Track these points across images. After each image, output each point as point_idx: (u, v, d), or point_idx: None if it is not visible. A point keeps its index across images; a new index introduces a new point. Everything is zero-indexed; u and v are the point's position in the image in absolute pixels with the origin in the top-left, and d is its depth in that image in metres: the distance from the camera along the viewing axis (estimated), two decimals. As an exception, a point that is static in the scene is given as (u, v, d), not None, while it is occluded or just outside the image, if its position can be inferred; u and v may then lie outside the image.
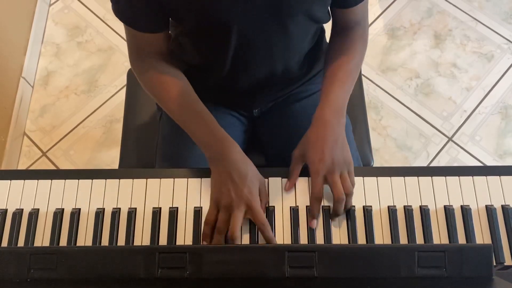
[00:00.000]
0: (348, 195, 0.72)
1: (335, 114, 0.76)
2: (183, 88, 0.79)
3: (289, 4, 0.72)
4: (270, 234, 0.69)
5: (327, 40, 0.96)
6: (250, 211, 0.70)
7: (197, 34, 0.79)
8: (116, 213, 0.73)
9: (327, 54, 0.86)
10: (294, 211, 0.73)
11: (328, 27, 0.90)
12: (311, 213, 0.72)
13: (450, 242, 0.71)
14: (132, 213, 0.73)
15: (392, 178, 0.76)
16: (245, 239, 0.72)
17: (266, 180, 0.76)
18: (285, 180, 0.76)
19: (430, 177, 0.76)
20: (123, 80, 1.72)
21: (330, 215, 0.73)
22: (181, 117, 0.78)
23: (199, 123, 0.76)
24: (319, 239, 0.72)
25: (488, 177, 0.76)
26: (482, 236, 0.72)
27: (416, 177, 0.76)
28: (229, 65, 0.82)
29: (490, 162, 1.60)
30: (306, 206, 0.74)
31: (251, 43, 0.78)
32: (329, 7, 0.83)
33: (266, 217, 0.72)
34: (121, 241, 0.72)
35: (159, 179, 0.76)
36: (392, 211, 0.73)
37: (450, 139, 1.64)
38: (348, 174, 0.74)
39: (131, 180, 0.76)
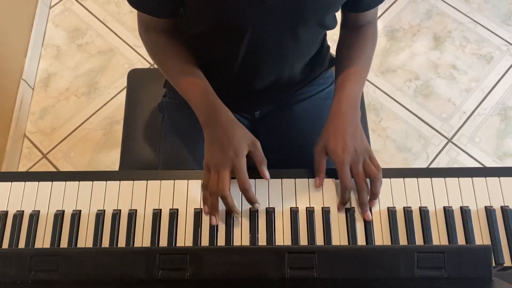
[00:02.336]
0: (375, 179, 0.73)
1: (351, 106, 0.78)
2: (184, 57, 0.82)
3: (304, 12, 0.74)
4: (251, 195, 0.71)
5: (327, 41, 0.96)
6: (234, 171, 0.72)
7: (209, 36, 0.80)
8: (116, 214, 0.73)
9: (339, 50, 0.89)
10: (294, 212, 0.73)
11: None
12: (342, 202, 0.73)
13: (449, 243, 0.71)
14: (132, 214, 0.73)
15: (392, 179, 0.76)
16: (245, 240, 0.72)
17: (266, 181, 0.76)
18: (285, 180, 0.76)
19: (429, 179, 0.76)
20: (124, 82, 1.72)
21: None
22: (178, 83, 0.82)
23: (195, 90, 0.79)
24: (319, 240, 0.72)
25: (488, 178, 0.76)
26: (481, 237, 0.72)
27: (416, 179, 0.76)
28: (238, 67, 0.84)
29: (489, 163, 1.60)
30: (306, 207, 0.74)
31: (262, 47, 0.79)
32: (341, 10, 0.85)
33: (266, 218, 0.72)
34: (122, 243, 0.72)
35: (159, 181, 0.76)
36: (391, 212, 0.73)
37: (449, 140, 1.65)
38: (370, 160, 0.75)
39: (132, 182, 0.76)
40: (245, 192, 0.71)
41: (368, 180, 0.74)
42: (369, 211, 0.73)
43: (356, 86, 0.81)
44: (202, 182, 0.75)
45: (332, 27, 0.82)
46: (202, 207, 0.74)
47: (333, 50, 0.96)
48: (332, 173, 0.77)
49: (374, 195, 0.73)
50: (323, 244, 0.71)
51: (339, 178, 0.73)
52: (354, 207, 0.74)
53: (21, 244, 0.72)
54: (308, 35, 0.81)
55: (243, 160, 0.72)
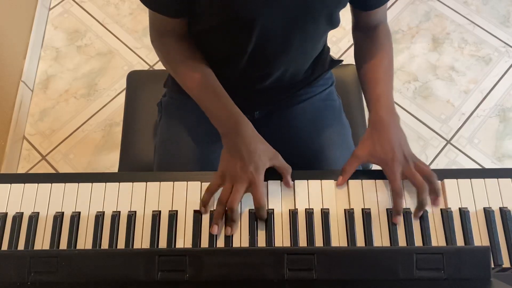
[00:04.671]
0: (430, 177, 0.73)
1: (390, 113, 0.79)
2: (200, 65, 0.82)
3: (314, 7, 0.74)
4: (263, 213, 0.71)
5: (327, 43, 0.97)
6: (252, 187, 0.72)
7: (218, 32, 0.80)
8: (116, 216, 0.73)
9: (359, 57, 0.88)
10: (293, 214, 0.73)
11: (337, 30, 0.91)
12: (396, 210, 0.73)
13: (448, 244, 0.71)
14: (132, 216, 0.73)
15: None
16: (245, 242, 0.72)
17: (266, 183, 0.76)
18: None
19: (428, 180, 0.76)
20: (123, 83, 1.73)
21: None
22: (196, 93, 0.80)
23: (214, 100, 0.79)
24: (318, 242, 0.72)
25: (486, 179, 0.76)
26: (480, 238, 0.72)
27: (415, 180, 0.76)
28: (244, 64, 0.84)
29: (488, 164, 1.60)
30: (305, 209, 0.74)
31: (270, 43, 0.79)
32: (351, 10, 0.86)
33: (266, 218, 0.72)
34: (121, 244, 0.72)
35: (158, 183, 0.76)
36: (390, 213, 0.73)
37: (448, 142, 1.65)
38: (418, 161, 0.76)
39: (131, 183, 0.76)
40: (260, 210, 0.71)
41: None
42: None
43: (388, 92, 0.81)
44: (209, 186, 0.74)
45: (336, 25, 0.83)
46: (200, 208, 0.74)
47: (332, 52, 0.97)
48: (330, 174, 0.78)
49: (436, 192, 0.73)
50: (322, 245, 0.71)
51: (392, 188, 0.73)
52: (353, 208, 0.74)
53: (21, 246, 0.72)
54: (316, 32, 0.81)
55: (261, 177, 0.72)
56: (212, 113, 0.79)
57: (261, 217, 0.72)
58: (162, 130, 0.98)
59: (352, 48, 0.93)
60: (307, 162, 0.92)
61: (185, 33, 0.83)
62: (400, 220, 0.73)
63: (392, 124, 0.77)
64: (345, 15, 0.85)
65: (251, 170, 0.72)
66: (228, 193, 0.72)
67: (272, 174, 0.76)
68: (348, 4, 0.83)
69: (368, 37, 0.87)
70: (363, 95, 0.86)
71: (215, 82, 0.81)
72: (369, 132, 0.78)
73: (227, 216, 0.72)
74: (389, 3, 1.90)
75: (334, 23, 0.81)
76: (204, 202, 0.73)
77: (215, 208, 0.73)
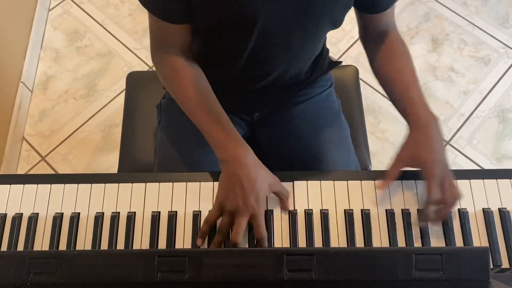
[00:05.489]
0: (456, 199, 0.72)
1: (429, 115, 0.77)
2: (201, 87, 0.80)
3: (316, 7, 0.74)
4: (264, 245, 0.70)
5: (326, 44, 0.97)
6: (253, 219, 0.70)
7: (217, 30, 0.79)
8: (115, 217, 0.73)
9: (379, 66, 0.86)
10: (293, 215, 0.73)
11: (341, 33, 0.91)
12: (424, 215, 0.72)
13: (447, 245, 0.71)
14: (131, 217, 0.73)
15: (390, 181, 0.76)
16: (244, 243, 0.72)
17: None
18: (284, 183, 0.76)
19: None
20: (122, 84, 1.73)
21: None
22: (196, 116, 0.78)
23: (214, 125, 0.76)
24: (318, 243, 0.72)
25: (485, 180, 0.76)
26: (479, 239, 0.72)
27: (414, 181, 0.77)
28: (243, 63, 0.83)
29: (487, 165, 1.60)
30: (305, 210, 0.74)
31: (270, 42, 0.79)
32: (358, 14, 0.84)
33: (266, 219, 0.72)
34: (120, 245, 0.72)
35: (158, 183, 0.76)
36: (390, 214, 0.73)
37: (447, 142, 1.65)
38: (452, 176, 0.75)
39: (130, 184, 0.76)
40: (260, 241, 0.70)
41: None
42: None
43: (421, 94, 0.79)
44: (207, 217, 0.72)
45: (339, 25, 0.82)
46: (197, 240, 0.72)
47: (331, 53, 0.97)
48: (329, 175, 0.78)
49: (445, 214, 0.73)
50: (321, 246, 0.71)
51: (428, 192, 0.72)
52: (352, 209, 0.74)
53: (20, 247, 0.72)
54: (317, 32, 0.81)
55: (262, 208, 0.71)
56: (211, 138, 0.76)
57: (261, 246, 0.71)
58: (162, 133, 0.98)
59: (352, 49, 0.93)
60: (306, 163, 0.92)
61: (186, 48, 0.81)
62: (424, 225, 0.72)
63: (434, 127, 0.76)
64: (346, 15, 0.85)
65: (253, 203, 0.69)
66: (228, 225, 0.70)
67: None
68: (354, 11, 0.82)
69: (383, 42, 0.84)
70: (392, 102, 0.83)
71: (216, 104, 0.78)
72: (412, 134, 0.76)
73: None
74: (388, 4, 1.91)
75: (336, 23, 0.80)
76: (203, 234, 0.71)
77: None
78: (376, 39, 0.86)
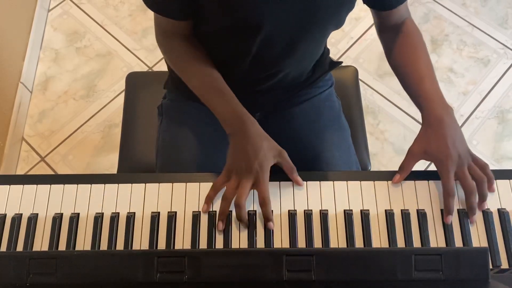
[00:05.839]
0: (481, 182, 0.73)
1: (443, 107, 0.77)
2: (206, 65, 0.82)
3: (321, 12, 0.74)
4: (268, 210, 0.72)
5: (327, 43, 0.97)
6: (257, 184, 0.73)
7: (222, 34, 0.81)
8: (115, 217, 0.73)
9: (394, 58, 0.86)
10: (292, 215, 0.73)
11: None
12: (447, 210, 0.72)
13: (447, 245, 0.71)
14: (131, 217, 0.73)
15: (389, 182, 0.76)
16: (243, 243, 0.72)
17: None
18: (283, 183, 0.76)
19: (426, 181, 0.76)
20: (122, 85, 1.73)
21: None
22: (203, 93, 0.81)
23: (220, 100, 0.79)
24: (317, 243, 0.72)
25: (484, 181, 0.76)
26: (478, 239, 0.72)
27: (413, 181, 0.77)
28: (248, 65, 0.84)
29: (487, 166, 1.60)
30: (304, 210, 0.74)
31: (275, 44, 0.80)
32: (372, 11, 0.85)
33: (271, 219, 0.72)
34: (120, 246, 0.72)
35: (157, 184, 0.76)
36: (389, 214, 0.73)
37: (447, 143, 1.65)
38: (474, 161, 0.75)
39: (130, 185, 0.76)
40: (264, 206, 0.72)
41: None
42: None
43: (436, 86, 0.79)
44: (215, 182, 0.75)
45: (341, 25, 0.82)
46: (202, 206, 0.74)
47: (331, 54, 0.97)
48: (329, 176, 0.78)
49: (482, 197, 0.73)
50: (321, 246, 0.71)
51: (443, 186, 0.73)
52: (352, 209, 0.74)
53: (19, 247, 0.72)
54: (320, 33, 0.81)
55: (266, 174, 0.73)
56: (219, 113, 0.79)
57: (265, 214, 0.72)
58: (164, 134, 0.98)
59: (351, 50, 0.93)
60: (306, 163, 0.92)
61: (190, 33, 0.83)
62: (451, 219, 0.72)
63: (448, 120, 0.75)
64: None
65: (256, 167, 0.72)
66: (233, 190, 0.73)
67: (271, 177, 0.76)
68: (367, 7, 0.82)
69: (398, 33, 0.85)
70: (405, 92, 0.83)
71: (221, 82, 0.81)
72: (424, 129, 0.76)
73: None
74: (388, 5, 1.91)
75: (340, 24, 0.81)
76: (209, 198, 0.74)
77: (218, 208, 0.73)
78: (391, 31, 0.86)
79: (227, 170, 0.75)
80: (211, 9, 0.74)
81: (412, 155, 0.76)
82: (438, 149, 0.74)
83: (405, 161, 0.77)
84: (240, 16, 0.73)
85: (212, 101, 0.80)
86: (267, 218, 0.72)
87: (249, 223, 0.73)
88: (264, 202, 0.72)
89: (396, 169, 0.78)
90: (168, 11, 0.76)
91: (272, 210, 0.74)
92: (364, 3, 0.82)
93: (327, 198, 0.75)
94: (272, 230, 0.73)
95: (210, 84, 0.81)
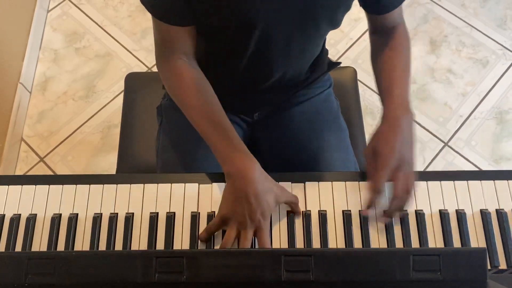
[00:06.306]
0: (408, 194, 0.72)
1: (402, 109, 0.76)
2: (207, 96, 0.78)
3: (316, 12, 0.74)
4: None
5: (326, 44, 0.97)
6: (258, 231, 0.70)
7: (217, 33, 0.79)
8: (113, 218, 0.73)
9: (375, 57, 0.86)
10: (291, 216, 0.74)
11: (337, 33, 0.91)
12: (368, 203, 0.72)
13: (445, 246, 0.72)
14: (129, 218, 0.73)
15: (388, 183, 0.76)
16: (242, 244, 0.72)
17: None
18: (282, 184, 0.76)
19: (425, 182, 0.77)
20: (121, 85, 1.72)
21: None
22: (202, 126, 0.76)
23: (220, 137, 0.74)
24: (316, 243, 0.72)
25: (483, 181, 0.77)
26: (477, 240, 0.73)
27: (412, 182, 0.77)
28: (245, 65, 0.83)
29: (485, 167, 1.60)
30: (303, 211, 0.74)
31: (271, 44, 0.79)
32: (366, 14, 0.85)
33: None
34: (119, 246, 0.72)
35: (156, 184, 0.76)
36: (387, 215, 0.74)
37: (446, 144, 1.65)
38: (410, 170, 0.74)
39: (129, 185, 0.76)
40: None
41: None
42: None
43: (403, 90, 0.79)
44: (209, 227, 0.71)
45: (338, 25, 0.82)
46: (198, 236, 0.72)
47: (330, 54, 0.97)
48: (328, 176, 0.78)
49: (402, 208, 0.73)
50: (319, 247, 0.71)
51: (373, 178, 0.72)
52: (350, 210, 0.74)
53: (18, 248, 0.72)
54: (316, 33, 0.81)
55: (268, 222, 0.71)
56: (218, 151, 0.74)
57: None
58: (164, 134, 0.98)
59: (350, 51, 0.93)
60: (305, 164, 0.92)
61: (192, 52, 0.80)
62: (368, 213, 0.72)
63: (402, 121, 0.75)
64: (344, 16, 0.86)
65: (259, 217, 0.69)
66: (232, 240, 0.70)
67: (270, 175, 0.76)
68: (362, 9, 0.83)
69: (386, 38, 0.85)
70: (378, 95, 0.83)
71: (221, 115, 0.77)
72: (378, 128, 0.77)
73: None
74: (387, 6, 1.91)
75: (336, 24, 0.81)
76: (203, 238, 0.72)
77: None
78: (381, 33, 0.87)
79: (224, 215, 0.71)
80: (207, 7, 0.74)
81: (368, 155, 0.76)
82: (385, 145, 0.73)
83: (367, 166, 0.76)
84: (233, 15, 0.73)
85: (212, 137, 0.75)
86: None
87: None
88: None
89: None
90: (170, 16, 0.74)
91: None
92: (360, 5, 0.82)
93: (326, 198, 0.75)
94: (271, 231, 0.73)
95: (210, 118, 0.76)
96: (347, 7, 0.78)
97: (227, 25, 0.76)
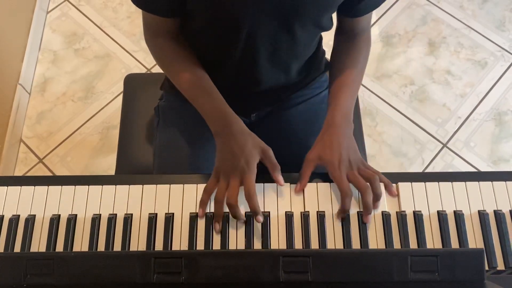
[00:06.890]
0: (373, 180, 0.74)
1: (345, 118, 0.81)
2: (192, 64, 0.83)
3: (298, 12, 0.75)
4: (254, 203, 0.71)
5: (324, 44, 0.97)
6: (243, 180, 0.73)
7: (206, 32, 0.81)
8: (112, 219, 0.73)
9: (334, 58, 0.90)
10: (289, 217, 0.74)
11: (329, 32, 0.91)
12: (342, 209, 0.73)
13: (443, 246, 0.72)
14: (128, 219, 0.73)
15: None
16: (241, 244, 0.72)
17: (262, 185, 0.76)
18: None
19: (423, 183, 0.77)
20: (120, 86, 1.73)
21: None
22: (189, 91, 0.82)
23: (206, 99, 0.81)
24: (314, 244, 0.72)
25: (481, 182, 0.77)
26: (475, 241, 0.73)
27: (410, 183, 0.77)
28: (235, 68, 0.85)
29: (484, 168, 1.61)
30: (301, 212, 0.74)
31: (259, 47, 0.80)
32: (337, 15, 0.86)
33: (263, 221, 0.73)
34: (117, 247, 0.72)
35: (155, 185, 0.76)
36: (386, 216, 0.74)
37: (444, 145, 1.66)
38: (364, 166, 0.77)
39: (127, 186, 0.76)
40: (249, 199, 0.72)
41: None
42: (369, 215, 0.73)
43: (349, 98, 0.83)
44: (206, 186, 0.75)
45: (328, 28, 0.83)
46: (197, 210, 0.74)
47: (328, 56, 0.97)
48: (326, 177, 0.78)
49: (376, 196, 0.74)
50: (318, 248, 0.71)
51: (339, 187, 0.74)
52: (348, 213, 0.74)
53: (17, 248, 0.72)
54: (304, 35, 0.81)
55: (252, 169, 0.74)
56: (204, 112, 0.80)
57: (252, 208, 0.71)
58: (161, 135, 0.98)
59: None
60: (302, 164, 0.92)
61: (177, 32, 0.84)
62: (343, 217, 0.73)
63: (344, 129, 0.79)
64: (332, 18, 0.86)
65: (242, 165, 0.73)
66: (223, 191, 0.73)
67: (268, 178, 0.76)
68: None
69: (348, 42, 0.88)
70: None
71: (207, 81, 0.82)
72: (321, 135, 0.80)
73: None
74: (385, 7, 1.92)
75: (323, 27, 0.82)
76: (203, 202, 0.74)
77: (213, 210, 0.73)
78: (347, 36, 0.89)
79: (215, 172, 0.76)
80: (195, 3, 0.75)
81: (308, 161, 0.78)
82: (331, 155, 0.76)
83: (303, 169, 0.78)
84: (221, 15, 0.74)
85: (198, 100, 0.81)
86: (254, 212, 0.72)
87: (246, 223, 0.73)
88: (249, 196, 0.72)
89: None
90: (154, 8, 0.77)
91: (269, 212, 0.74)
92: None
93: (324, 199, 0.75)
94: (269, 232, 0.73)
95: (196, 83, 0.82)
96: (330, 8, 0.78)
97: (215, 26, 0.77)
